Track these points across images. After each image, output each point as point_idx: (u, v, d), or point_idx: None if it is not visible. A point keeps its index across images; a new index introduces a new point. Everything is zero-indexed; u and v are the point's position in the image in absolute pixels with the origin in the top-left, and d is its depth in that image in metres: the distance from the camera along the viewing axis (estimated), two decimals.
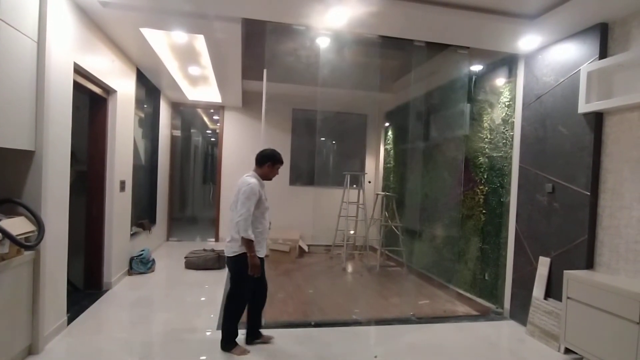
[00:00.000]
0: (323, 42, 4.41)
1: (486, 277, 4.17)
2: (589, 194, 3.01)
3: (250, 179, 2.78)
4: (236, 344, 2.85)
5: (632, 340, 2.41)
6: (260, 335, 3.02)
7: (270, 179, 2.93)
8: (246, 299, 2.87)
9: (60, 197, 2.93)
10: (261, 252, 2.81)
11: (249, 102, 6.95)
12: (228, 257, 2.80)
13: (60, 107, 2.86)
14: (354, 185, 6.43)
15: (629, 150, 2.80)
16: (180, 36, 3.96)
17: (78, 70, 3.19)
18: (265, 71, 3.98)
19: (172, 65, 4.83)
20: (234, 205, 2.78)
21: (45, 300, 2.69)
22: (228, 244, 2.81)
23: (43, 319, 2.66)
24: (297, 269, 5.63)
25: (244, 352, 2.82)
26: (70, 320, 3.15)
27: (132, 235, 4.83)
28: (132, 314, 3.53)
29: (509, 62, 3.97)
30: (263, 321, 3.15)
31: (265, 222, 2.85)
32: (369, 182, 7.43)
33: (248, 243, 2.66)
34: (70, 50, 2.97)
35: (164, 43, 4.21)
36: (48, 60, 2.62)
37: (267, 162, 2.88)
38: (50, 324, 2.80)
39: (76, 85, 3.20)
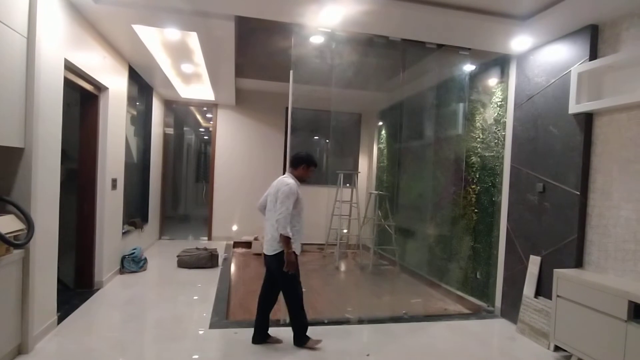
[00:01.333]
0: (318, 41, 4.41)
1: (478, 276, 4.21)
2: (578, 193, 3.05)
3: (288, 179, 2.88)
4: (308, 337, 2.93)
5: (620, 338, 2.45)
6: (268, 336, 3.02)
7: (304, 181, 3.00)
8: (300, 288, 2.93)
9: (51, 195, 2.90)
10: (297, 249, 2.88)
11: (243, 100, 6.92)
12: (269, 255, 2.87)
13: (51, 103, 2.82)
14: (348, 184, 6.44)
15: (618, 151, 2.84)
16: (173, 33, 3.92)
17: (69, 66, 3.15)
18: (292, 72, 3.97)
19: (164, 63, 4.79)
20: (272, 205, 2.88)
21: (35, 299, 2.66)
22: (268, 242, 2.88)
23: (32, 318, 2.63)
24: None
25: (317, 342, 2.94)
26: (60, 319, 3.12)
27: (123, 233, 4.79)
28: (123, 313, 3.50)
29: (501, 63, 4.00)
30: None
31: (301, 220, 2.93)
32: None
33: (286, 240, 2.74)
34: (60, 46, 2.93)
35: (157, 40, 4.17)
36: (38, 56, 2.58)
37: (302, 164, 2.97)
38: (40, 323, 2.77)
39: (67, 82, 3.16)
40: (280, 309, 3.02)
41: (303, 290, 2.96)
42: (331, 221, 6.35)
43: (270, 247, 2.86)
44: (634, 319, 2.40)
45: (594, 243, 3.00)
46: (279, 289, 2.99)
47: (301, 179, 2.96)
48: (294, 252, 2.80)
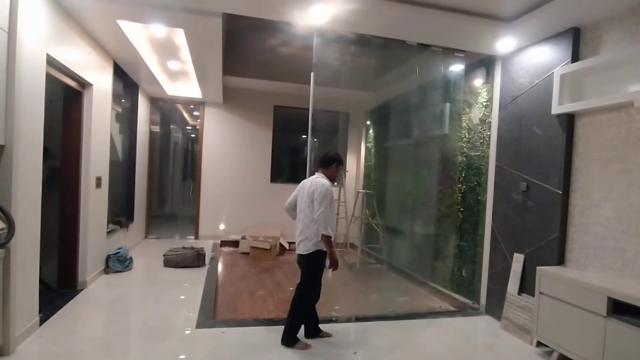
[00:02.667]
0: (305, 39, 4.41)
1: (463, 274, 4.27)
2: (560, 192, 3.12)
3: (323, 180, 2.93)
4: (298, 339, 2.95)
5: (599, 333, 2.52)
6: (320, 330, 3.13)
7: (334, 180, 3.06)
8: (316, 293, 3.02)
9: (32, 193, 2.83)
10: None
11: (230, 98, 6.87)
12: (302, 255, 2.92)
13: (33, 99, 2.75)
14: (335, 183, 6.45)
15: (598, 151, 2.91)
16: (159, 29, 3.87)
17: (51, 62, 3.08)
18: (312, 74, 3.99)
19: (150, 59, 4.73)
20: (305, 206, 2.91)
21: (16, 300, 2.60)
22: (302, 243, 2.92)
23: (14, 319, 2.57)
24: (277, 266, 5.62)
25: (307, 346, 2.93)
26: (42, 320, 3.06)
27: (108, 232, 4.72)
28: (108, 314, 3.45)
29: (486, 64, 4.06)
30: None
31: (334, 219, 3.00)
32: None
33: (328, 240, 2.80)
34: (43, 41, 2.87)
35: (143, 36, 4.11)
36: (19, 51, 2.52)
37: (334, 164, 3.04)
38: (22, 324, 2.71)
39: (49, 78, 3.09)
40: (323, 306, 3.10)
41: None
42: None
43: (303, 247, 2.90)
44: (613, 315, 2.47)
45: (575, 241, 3.07)
46: (320, 284, 3.05)
47: (332, 178, 3.02)
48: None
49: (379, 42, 3.87)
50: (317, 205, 2.81)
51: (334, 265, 2.86)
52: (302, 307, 2.97)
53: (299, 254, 2.96)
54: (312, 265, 2.91)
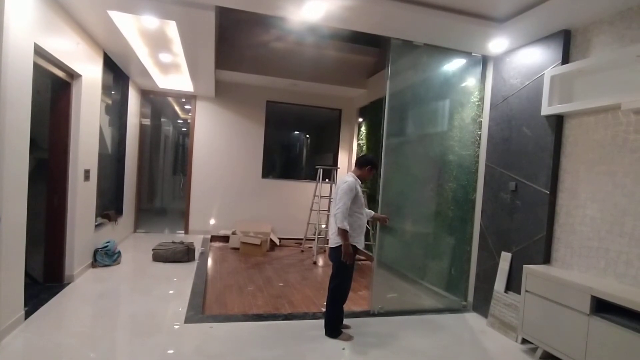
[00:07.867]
0: (299, 35, 4.39)
1: (452, 272, 4.32)
2: (548, 192, 3.16)
3: (347, 177, 3.05)
4: (341, 330, 3.08)
5: (583, 331, 2.58)
6: (344, 326, 3.22)
7: (365, 181, 3.18)
8: (349, 285, 3.11)
9: (18, 184, 2.78)
10: (360, 243, 3.07)
11: (222, 93, 6.82)
12: (332, 247, 3.06)
13: (19, 89, 2.70)
14: (327, 180, 6.47)
15: (585, 153, 2.96)
16: (151, 21, 3.82)
17: (39, 51, 3.02)
18: (388, 83, 4.00)
19: (141, 51, 4.66)
20: (334, 202, 3.06)
21: (1, 294, 2.56)
22: (332, 237, 3.07)
23: None
24: (267, 262, 5.62)
25: (350, 337, 3.04)
26: (28, 314, 3.01)
27: (96, 226, 4.66)
28: (95, 308, 3.42)
29: (479, 64, 4.08)
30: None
31: (362, 216, 3.08)
32: None
33: (343, 233, 2.90)
34: (30, 30, 2.81)
35: (134, 27, 4.05)
36: (6, 39, 2.47)
37: (368, 166, 3.15)
38: (6, 318, 2.67)
39: (37, 68, 3.04)
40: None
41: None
42: (310, 216, 6.37)
43: (332, 240, 3.05)
44: (596, 313, 2.52)
45: (561, 240, 3.13)
46: (349, 277, 3.10)
47: (362, 179, 3.13)
48: (355, 245, 2.99)
49: (355, 36, 3.86)
50: (337, 201, 2.96)
51: (347, 258, 2.93)
52: (337, 299, 3.06)
53: (329, 247, 3.09)
54: (340, 258, 2.98)
